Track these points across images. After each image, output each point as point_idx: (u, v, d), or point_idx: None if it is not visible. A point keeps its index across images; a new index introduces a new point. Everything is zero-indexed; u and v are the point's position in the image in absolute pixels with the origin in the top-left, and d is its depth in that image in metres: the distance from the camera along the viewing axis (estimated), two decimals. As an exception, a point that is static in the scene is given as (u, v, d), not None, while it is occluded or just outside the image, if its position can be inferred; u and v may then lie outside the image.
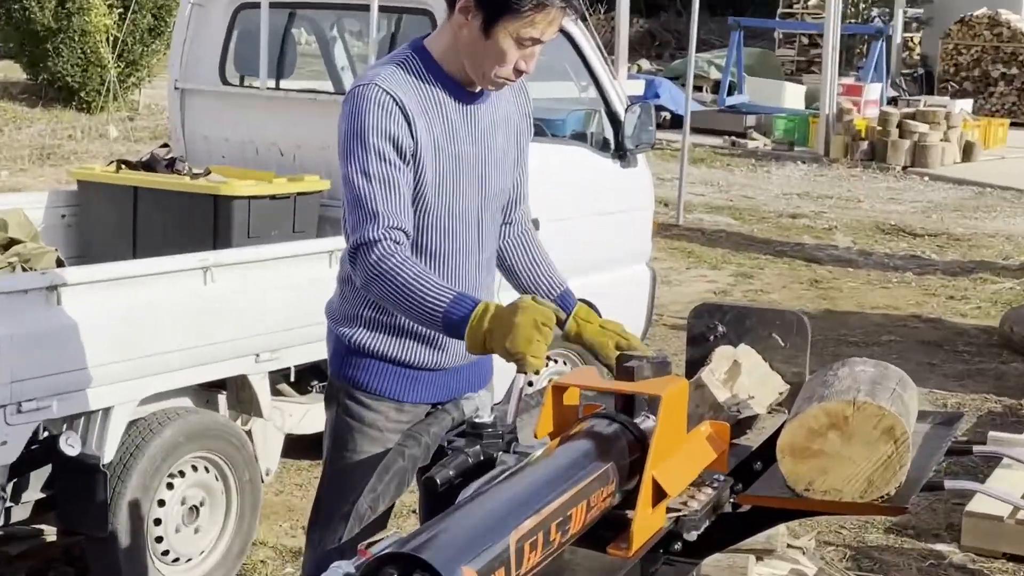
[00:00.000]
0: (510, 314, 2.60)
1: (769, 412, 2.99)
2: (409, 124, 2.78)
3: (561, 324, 2.88)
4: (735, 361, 2.97)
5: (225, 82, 6.33)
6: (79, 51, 17.71)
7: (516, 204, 3.16)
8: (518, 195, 3.16)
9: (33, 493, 4.25)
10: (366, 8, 5.79)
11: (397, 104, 2.77)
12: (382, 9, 5.82)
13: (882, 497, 2.47)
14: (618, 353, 2.76)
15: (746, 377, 2.96)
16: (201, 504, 4.60)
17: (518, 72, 2.83)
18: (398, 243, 2.75)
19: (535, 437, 2.48)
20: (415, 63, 2.85)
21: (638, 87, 17.81)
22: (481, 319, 2.63)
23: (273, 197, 5.55)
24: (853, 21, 25.18)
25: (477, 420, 2.49)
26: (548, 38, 2.81)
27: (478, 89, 2.91)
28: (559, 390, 2.52)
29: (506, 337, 2.58)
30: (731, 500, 2.66)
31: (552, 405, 2.50)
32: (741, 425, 2.87)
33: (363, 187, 2.75)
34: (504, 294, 3.17)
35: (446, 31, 2.86)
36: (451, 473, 2.34)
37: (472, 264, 2.99)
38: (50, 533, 4.72)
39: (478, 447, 2.43)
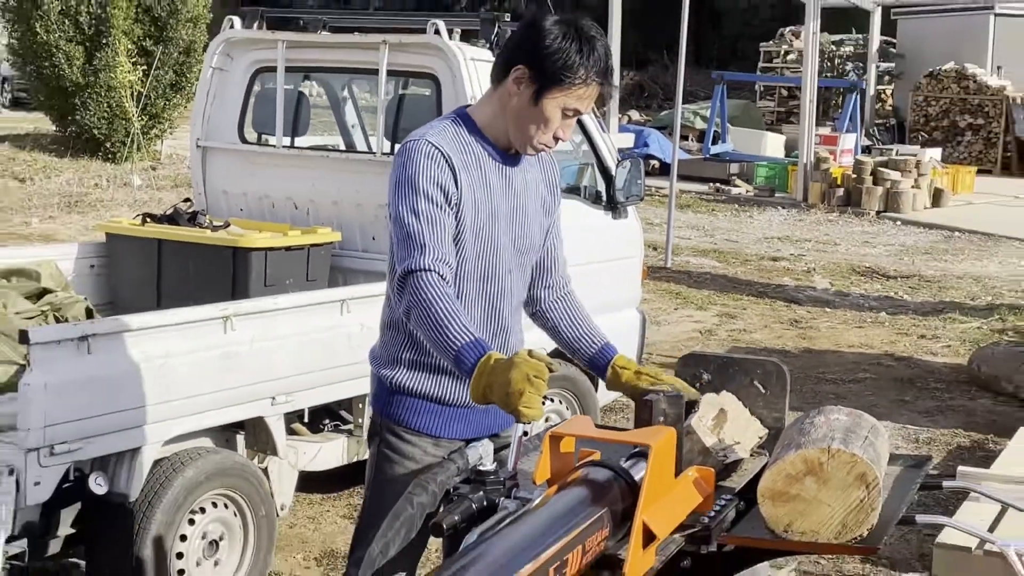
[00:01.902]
0: (505, 369, 2.67)
1: (751, 455, 3.03)
2: (454, 176, 2.94)
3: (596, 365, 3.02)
4: (721, 409, 3.01)
5: (244, 140, 6.39)
6: (105, 105, 17.82)
7: (553, 269, 3.27)
8: (553, 260, 3.27)
9: (64, 529, 4.27)
10: (375, 72, 5.86)
11: (444, 157, 2.94)
12: (390, 73, 5.89)
13: (855, 538, 2.51)
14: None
15: (731, 424, 3.00)
16: (221, 538, 4.62)
17: (555, 139, 3.02)
18: (443, 278, 2.87)
19: (533, 483, 2.52)
20: (459, 127, 3.03)
21: (628, 139, 17.91)
22: (481, 373, 2.71)
23: (288, 248, 5.61)
24: (829, 75, 25.31)
25: (481, 468, 2.53)
26: (586, 109, 3.03)
27: (513, 153, 3.07)
28: (556, 439, 2.57)
29: (501, 391, 2.66)
30: (716, 540, 2.69)
31: (549, 453, 2.54)
32: (727, 469, 2.91)
33: (412, 224, 2.89)
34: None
35: (491, 101, 3.05)
36: (456, 518, 2.38)
37: (504, 308, 3.12)
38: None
39: (481, 493, 2.46)
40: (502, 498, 2.47)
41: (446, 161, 2.94)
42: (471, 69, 5.53)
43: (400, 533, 2.33)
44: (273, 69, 6.14)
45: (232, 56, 6.28)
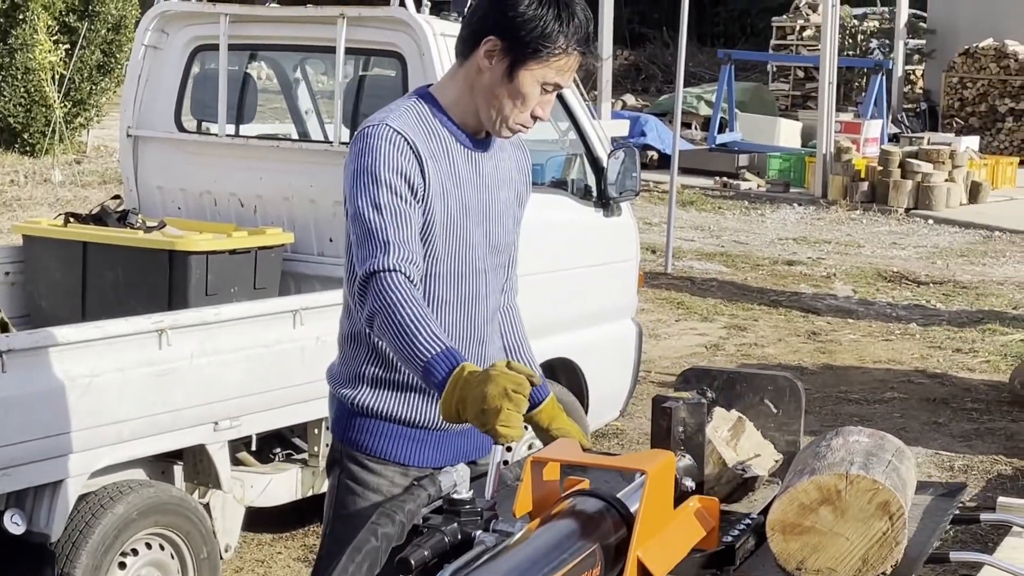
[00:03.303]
0: (480, 383, 2.67)
1: (766, 482, 3.06)
2: (420, 164, 2.95)
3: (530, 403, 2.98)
4: (740, 417, 3.04)
5: (181, 129, 6.40)
6: (22, 90, 17.80)
7: (511, 270, 3.31)
8: (512, 260, 3.30)
9: (-25, 573, 4.28)
10: (332, 50, 5.88)
11: (408, 143, 2.94)
12: (349, 51, 5.91)
13: (879, 576, 2.53)
14: (656, 394, 2.93)
15: (748, 437, 3.03)
16: (157, 584, 4.63)
17: (534, 118, 3.02)
18: (409, 278, 2.87)
19: (514, 516, 2.53)
20: (423, 109, 3.04)
21: (623, 127, 17.95)
22: (454, 387, 2.71)
23: (233, 252, 5.62)
24: (851, 54, 25.42)
25: (455, 496, 2.53)
26: (566, 84, 3.05)
27: (483, 137, 3.08)
28: (538, 464, 2.58)
29: (476, 407, 2.66)
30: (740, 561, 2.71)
31: (531, 481, 2.55)
32: (744, 487, 2.93)
33: (374, 219, 2.89)
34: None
35: (456, 78, 3.06)
36: (426, 554, 2.38)
37: (480, 313, 3.13)
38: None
39: (455, 525, 2.46)
40: (479, 531, 2.48)
41: (411, 148, 2.95)
42: (441, 46, 5.55)
43: (362, 568, 2.34)
44: (214, 47, 6.16)
45: (167, 32, 6.30)
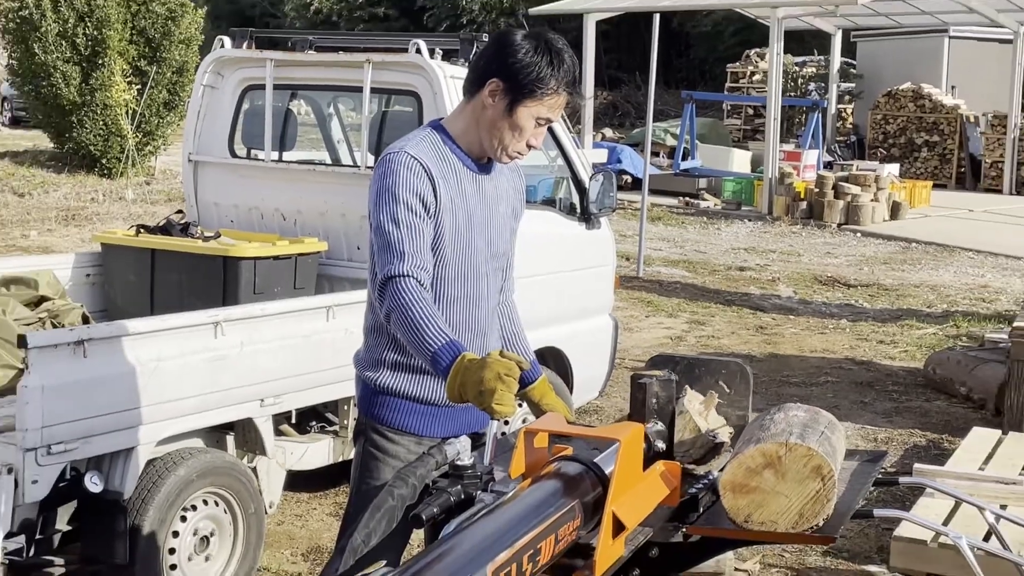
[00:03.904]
0: (477, 368, 2.70)
1: (724, 449, 3.05)
2: (433, 185, 2.96)
3: (524, 382, 3.07)
4: (710, 393, 3.04)
5: (234, 155, 6.39)
6: (101, 123, 17.79)
7: (508, 273, 3.32)
8: (509, 265, 3.31)
9: (60, 526, 4.26)
10: (359, 89, 5.88)
11: (423, 168, 2.96)
12: (374, 91, 5.90)
13: (812, 528, 2.53)
14: (633, 373, 2.99)
15: (714, 413, 3.04)
16: (211, 535, 4.61)
17: (529, 147, 3.06)
18: (420, 283, 2.90)
19: (510, 477, 2.53)
20: (435, 138, 3.06)
21: (602, 155, 17.93)
22: (456, 372, 2.73)
23: (276, 258, 5.61)
24: (793, 94, 25.40)
25: (458, 463, 2.53)
26: (556, 118, 3.09)
27: (485, 162, 3.10)
28: (530, 435, 2.58)
29: (475, 389, 2.69)
30: (682, 531, 2.72)
31: (524, 448, 2.55)
32: (715, 450, 2.94)
33: (392, 232, 2.92)
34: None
35: (464, 113, 3.08)
36: (435, 511, 2.39)
37: (482, 310, 3.15)
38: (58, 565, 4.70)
39: (459, 487, 2.47)
40: (479, 491, 2.48)
41: (425, 172, 2.96)
42: (451, 87, 5.54)
43: (381, 524, 2.34)
44: (262, 87, 6.15)
45: (222, 74, 6.29)
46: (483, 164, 3.11)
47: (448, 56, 5.78)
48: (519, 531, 2.23)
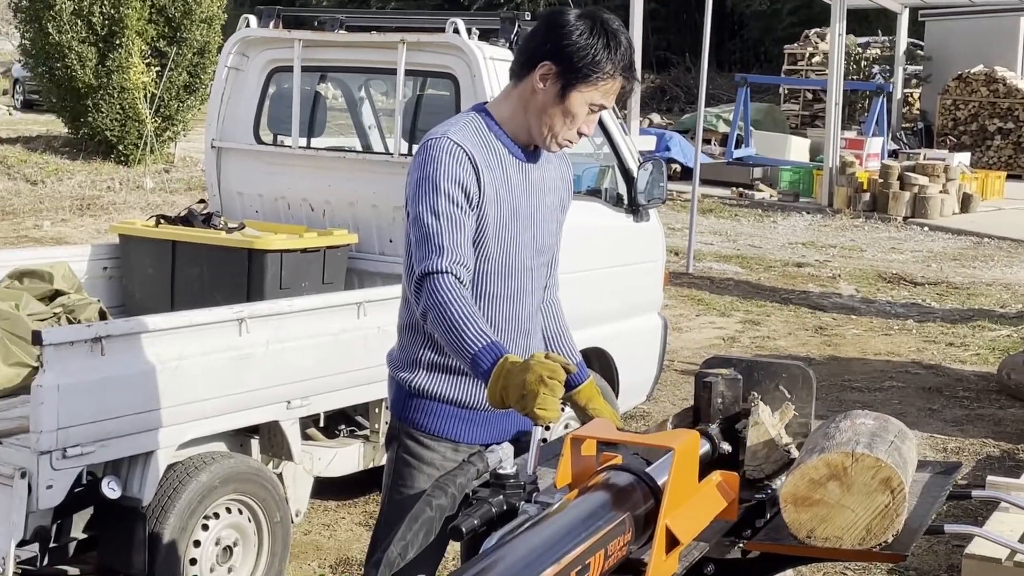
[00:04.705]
0: (520, 371, 2.69)
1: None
2: (477, 174, 2.95)
3: (570, 385, 3.07)
4: (786, 403, 3.02)
5: (259, 141, 6.41)
6: (118, 107, 17.89)
7: (554, 269, 3.30)
8: (555, 260, 3.30)
9: (76, 534, 4.29)
10: (393, 71, 5.88)
11: (467, 155, 2.94)
12: (408, 73, 5.90)
13: (880, 544, 2.51)
14: (703, 366, 3.02)
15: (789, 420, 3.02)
16: (234, 544, 4.63)
17: (580, 134, 3.04)
18: (460, 280, 2.88)
19: (555, 487, 2.52)
20: (480, 123, 3.04)
21: (650, 142, 17.88)
22: (498, 376, 2.73)
23: (304, 251, 5.62)
24: (855, 78, 25.25)
25: (500, 471, 2.53)
26: (610, 104, 3.05)
27: (532, 150, 3.09)
28: (577, 442, 2.57)
29: (517, 393, 2.68)
30: (740, 546, 2.70)
31: (570, 456, 2.54)
32: (788, 465, 2.92)
33: (432, 224, 2.90)
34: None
35: (511, 97, 3.06)
36: (476, 522, 2.38)
37: (526, 307, 3.13)
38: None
39: (501, 497, 2.46)
40: (522, 502, 2.47)
41: (469, 160, 2.95)
42: (490, 68, 5.54)
43: (419, 536, 2.34)
44: (289, 69, 6.16)
45: (248, 55, 6.31)
46: (530, 152, 3.10)
47: (487, 36, 5.77)
48: (567, 545, 2.22)
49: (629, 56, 2.99)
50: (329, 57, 6.26)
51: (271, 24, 6.25)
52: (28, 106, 28.47)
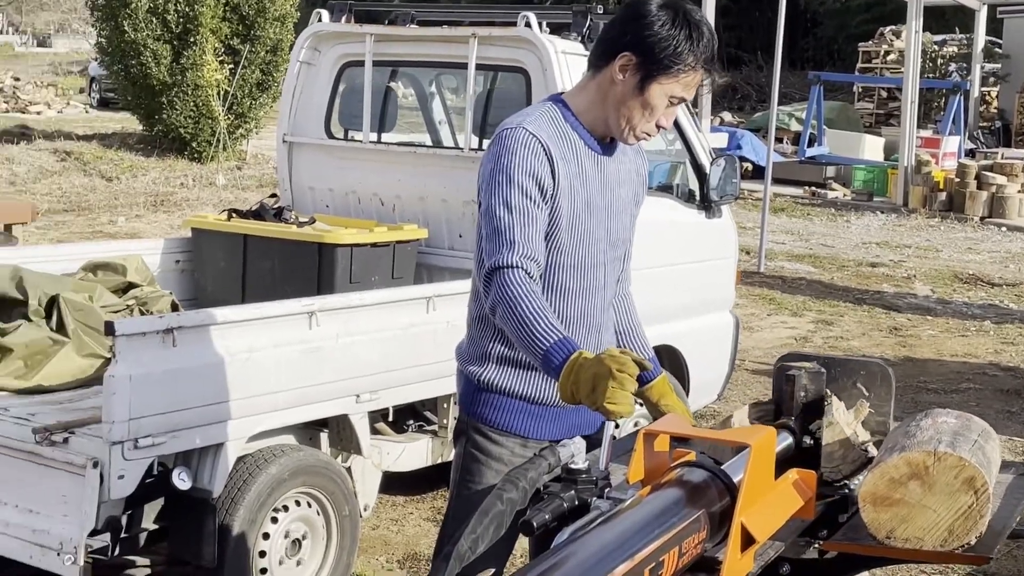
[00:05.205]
0: (591, 366, 2.65)
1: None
2: (552, 166, 2.90)
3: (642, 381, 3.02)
4: (861, 401, 2.95)
5: (330, 136, 6.42)
6: (191, 104, 18.08)
7: (627, 263, 3.26)
8: (628, 254, 3.25)
9: (147, 524, 4.31)
10: (464, 66, 5.86)
11: (542, 146, 2.90)
12: (479, 67, 5.88)
13: (962, 546, 2.43)
14: (781, 362, 2.97)
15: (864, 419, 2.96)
16: (303, 537, 4.63)
17: (658, 127, 2.99)
18: (530, 275, 2.84)
19: (627, 483, 2.48)
20: (556, 114, 2.99)
21: (722, 140, 17.78)
22: (569, 372, 2.68)
23: (374, 245, 5.62)
24: (931, 76, 24.88)
25: (572, 466, 2.49)
26: (690, 96, 3.00)
27: (608, 142, 3.04)
28: (650, 437, 2.52)
29: (587, 387, 2.63)
30: (816, 546, 2.64)
31: (642, 452, 2.50)
32: (866, 465, 2.86)
33: (504, 218, 2.86)
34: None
35: (588, 89, 3.01)
36: (547, 517, 2.35)
37: (597, 303, 3.09)
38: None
39: (573, 492, 2.42)
40: (594, 498, 2.43)
41: (544, 151, 2.90)
42: (562, 63, 5.50)
43: (489, 530, 2.30)
44: (360, 63, 6.17)
45: (319, 50, 6.33)
46: (606, 144, 3.05)
47: (559, 30, 5.73)
48: (640, 542, 2.18)
49: (712, 48, 2.93)
50: (400, 52, 6.25)
51: (343, 19, 6.26)
52: (104, 104, 28.91)
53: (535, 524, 2.33)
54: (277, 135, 6.53)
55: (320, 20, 6.27)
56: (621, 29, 2.96)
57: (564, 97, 3.06)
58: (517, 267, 2.83)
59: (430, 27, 6.16)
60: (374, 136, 6.28)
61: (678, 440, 2.69)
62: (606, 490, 2.47)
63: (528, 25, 5.60)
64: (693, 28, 2.88)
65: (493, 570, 2.14)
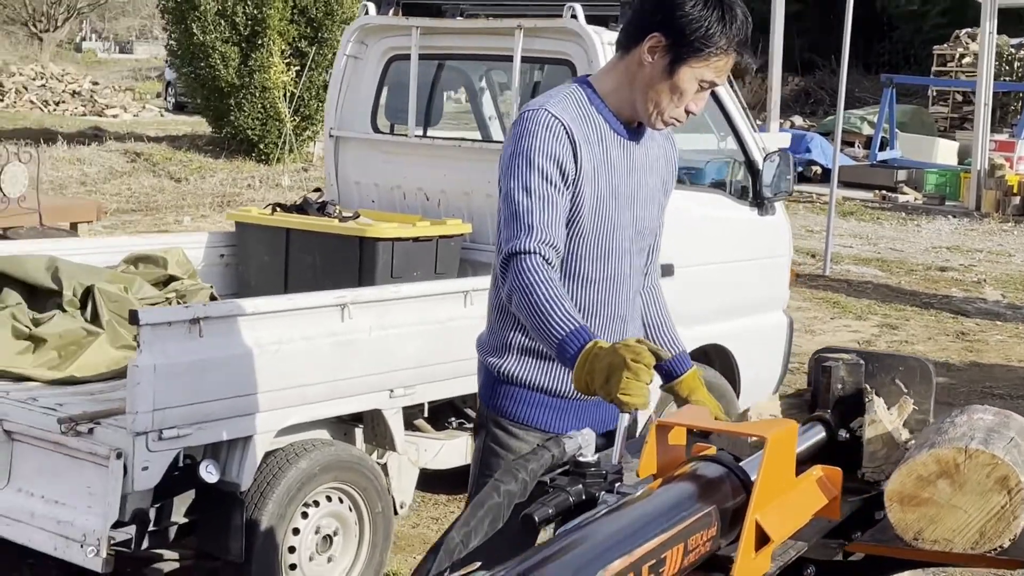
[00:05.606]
0: (605, 356, 2.53)
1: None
2: (574, 150, 2.80)
3: (664, 371, 2.97)
4: (904, 398, 2.81)
5: (376, 130, 6.35)
6: (259, 106, 18.16)
7: (654, 254, 3.13)
8: (655, 245, 3.12)
9: (176, 518, 4.24)
10: (510, 58, 5.75)
11: (565, 129, 2.79)
12: (525, 60, 5.77)
13: (995, 549, 2.28)
14: (818, 354, 2.88)
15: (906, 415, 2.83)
16: (335, 534, 4.55)
17: (688, 113, 2.87)
18: (547, 261, 2.74)
19: (638, 477, 2.35)
20: (581, 96, 2.88)
21: (785, 140, 17.45)
22: (583, 362, 2.57)
23: (416, 239, 5.54)
24: (1007, 79, 24.37)
25: (581, 459, 2.36)
26: (721, 81, 2.89)
27: (636, 126, 2.92)
28: (664, 429, 2.39)
29: (601, 378, 2.52)
30: (842, 548, 2.50)
31: (655, 445, 2.36)
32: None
33: (523, 202, 2.76)
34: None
35: (615, 70, 2.89)
36: (550, 511, 2.22)
37: (623, 292, 2.97)
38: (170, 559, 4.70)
39: (580, 486, 2.29)
40: (603, 492, 2.30)
41: (567, 134, 2.79)
42: (609, 54, 5.36)
43: (484, 523, 2.18)
44: (407, 57, 6.08)
45: (366, 43, 6.25)
46: (633, 129, 2.93)
47: (606, 22, 5.60)
48: (641, 536, 2.05)
49: (745, 31, 2.80)
50: (446, 44, 6.16)
51: (390, 12, 6.18)
52: (180, 108, 29.22)
53: (537, 518, 2.20)
54: (324, 129, 6.47)
55: (367, 13, 6.20)
56: (651, 9, 2.84)
57: (590, 79, 2.95)
58: (535, 253, 2.72)
59: (476, 20, 6.06)
60: (420, 130, 6.19)
61: (699, 435, 2.56)
62: (616, 484, 2.34)
63: (574, 16, 5.48)
64: (726, 9, 2.76)
65: (479, 563, 2.02)
